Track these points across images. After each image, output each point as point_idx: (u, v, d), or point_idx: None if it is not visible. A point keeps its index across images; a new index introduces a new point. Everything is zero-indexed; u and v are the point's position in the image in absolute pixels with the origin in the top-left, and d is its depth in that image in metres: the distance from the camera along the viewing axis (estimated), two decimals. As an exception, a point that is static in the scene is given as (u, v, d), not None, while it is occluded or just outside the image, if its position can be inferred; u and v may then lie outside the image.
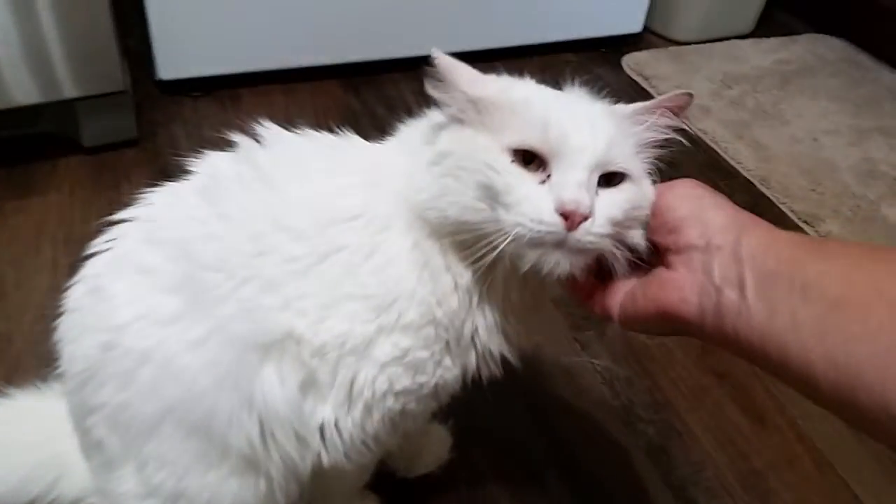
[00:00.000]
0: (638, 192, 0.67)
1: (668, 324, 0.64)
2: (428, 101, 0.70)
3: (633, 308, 0.67)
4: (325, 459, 0.75)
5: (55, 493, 0.87)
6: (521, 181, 0.63)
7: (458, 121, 0.68)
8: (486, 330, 0.73)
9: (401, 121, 0.79)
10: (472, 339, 0.74)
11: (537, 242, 0.62)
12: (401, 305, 0.70)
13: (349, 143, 0.79)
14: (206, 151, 0.80)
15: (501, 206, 0.63)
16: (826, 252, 0.58)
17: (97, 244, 0.77)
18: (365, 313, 0.70)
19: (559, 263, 0.63)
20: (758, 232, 0.61)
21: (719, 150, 1.73)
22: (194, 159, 0.79)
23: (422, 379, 0.73)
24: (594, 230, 0.63)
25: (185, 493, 0.74)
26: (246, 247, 0.69)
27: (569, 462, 1.10)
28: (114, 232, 0.77)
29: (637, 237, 0.67)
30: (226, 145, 0.78)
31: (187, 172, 0.79)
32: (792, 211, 1.56)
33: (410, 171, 0.70)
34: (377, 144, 0.80)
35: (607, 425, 1.16)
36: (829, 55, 2.15)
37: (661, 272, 0.65)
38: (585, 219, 0.62)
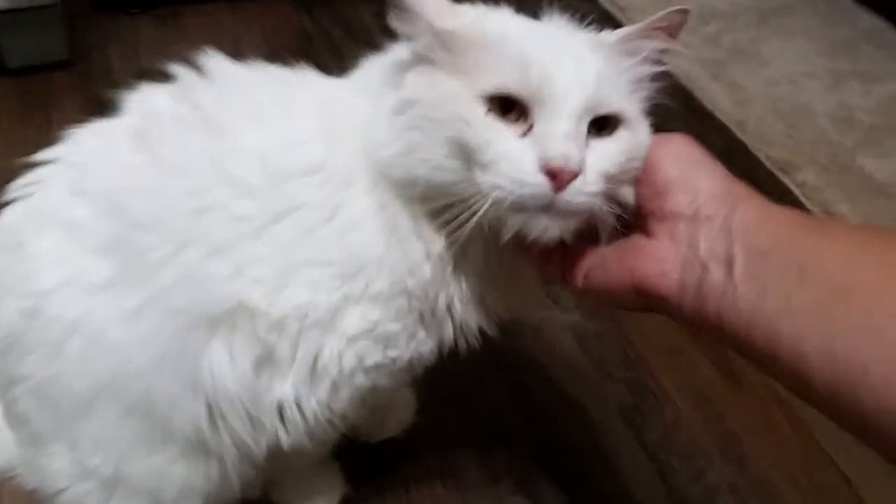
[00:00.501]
0: (634, 140, 0.59)
1: (640, 298, 0.57)
2: (390, 30, 0.61)
3: (603, 276, 0.60)
4: (285, 441, 0.68)
5: None
6: (499, 135, 0.55)
7: (425, 60, 0.59)
8: (462, 302, 0.66)
9: (359, 46, 0.69)
10: (448, 310, 0.66)
11: (520, 206, 0.55)
12: (368, 274, 0.62)
13: (305, 80, 0.70)
14: (141, 84, 0.69)
15: (477, 165, 0.55)
16: (828, 232, 0.51)
17: (16, 188, 0.67)
18: (328, 281, 0.62)
19: (547, 229, 0.56)
20: (752, 205, 0.54)
21: (694, 90, 1.66)
22: (129, 93, 0.69)
23: (394, 353, 0.66)
24: (586, 189, 0.55)
25: (124, 477, 0.66)
26: (186, 202, 0.60)
27: (539, 423, 1.05)
28: (35, 175, 0.67)
29: (629, 194, 0.60)
30: (165, 75, 0.67)
31: (121, 107, 0.68)
32: (767, 158, 1.51)
33: (371, 119, 0.62)
34: (336, 81, 0.70)
35: (578, 384, 1.11)
36: (805, -8, 2.08)
37: (639, 239, 0.58)
38: (575, 176, 0.54)
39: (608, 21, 1.86)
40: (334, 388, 0.66)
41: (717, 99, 1.64)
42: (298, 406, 0.66)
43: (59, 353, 0.62)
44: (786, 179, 1.47)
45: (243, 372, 0.62)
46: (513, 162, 0.54)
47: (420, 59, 0.60)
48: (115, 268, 0.61)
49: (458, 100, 0.56)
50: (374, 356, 0.66)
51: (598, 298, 0.62)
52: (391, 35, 0.62)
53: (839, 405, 0.45)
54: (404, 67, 0.61)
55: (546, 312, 1.19)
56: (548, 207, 0.55)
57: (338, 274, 0.62)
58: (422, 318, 0.66)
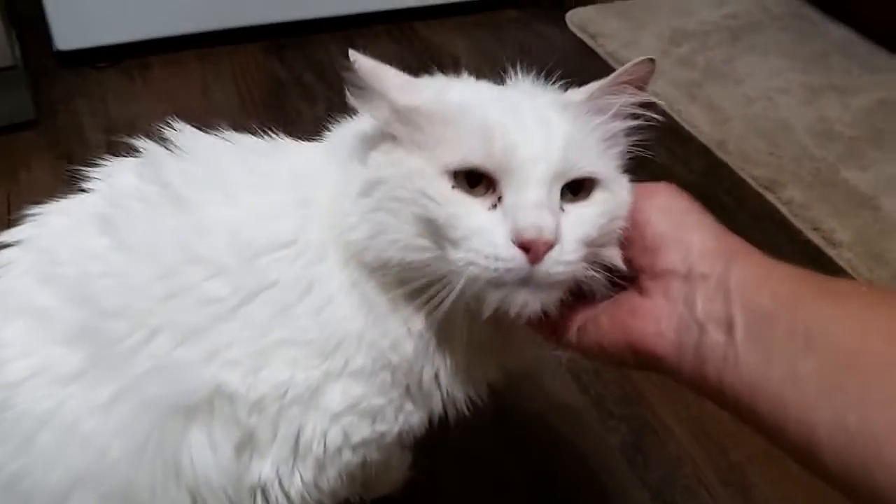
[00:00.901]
0: (612, 201, 0.56)
1: (636, 358, 0.54)
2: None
3: (597, 334, 0.57)
4: None
5: None
6: (467, 210, 0.52)
7: (387, 137, 0.57)
8: (448, 375, 0.63)
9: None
10: (436, 382, 0.63)
11: (497, 282, 0.52)
12: (347, 350, 0.60)
13: (275, 150, 0.67)
14: (108, 154, 0.67)
15: (448, 242, 0.53)
16: (833, 293, 0.49)
17: None
18: (307, 359, 0.59)
19: (527, 303, 0.53)
20: (751, 262, 0.52)
21: (672, 114, 1.64)
22: (94, 167, 0.66)
23: (382, 427, 0.63)
24: (564, 258, 0.52)
25: None
26: (154, 287, 0.58)
27: (539, 468, 1.01)
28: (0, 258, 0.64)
29: (615, 255, 0.57)
30: (133, 134, 0.65)
31: (88, 181, 0.66)
32: (752, 177, 1.49)
33: (338, 201, 0.59)
34: (307, 150, 0.68)
35: (577, 425, 1.07)
36: (775, 9, 2.08)
37: (632, 297, 0.56)
38: (551, 246, 0.51)
39: (580, 48, 1.87)
40: (320, 466, 0.63)
41: (695, 121, 1.63)
42: (281, 487, 0.63)
43: (29, 445, 0.59)
44: (772, 198, 1.45)
45: (225, 459, 0.59)
46: (484, 237, 0.52)
47: (383, 136, 0.58)
48: (84, 358, 0.58)
49: (423, 176, 0.54)
50: (362, 432, 0.63)
51: (592, 357, 0.59)
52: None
53: (850, 480, 0.43)
54: (369, 143, 0.59)
55: (539, 351, 1.16)
56: (526, 281, 0.52)
57: (316, 352, 0.59)
58: (408, 390, 0.63)
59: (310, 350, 0.59)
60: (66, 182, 0.65)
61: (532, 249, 0.50)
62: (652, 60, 0.57)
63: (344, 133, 0.65)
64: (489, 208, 0.53)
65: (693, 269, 0.52)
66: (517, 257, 0.51)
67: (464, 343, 0.61)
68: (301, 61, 1.72)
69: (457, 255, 0.52)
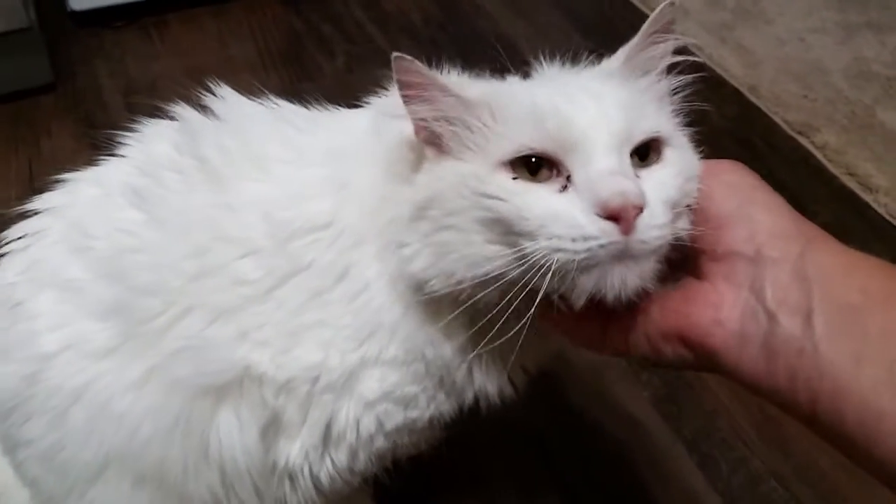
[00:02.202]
0: (684, 159, 0.53)
1: (690, 351, 0.50)
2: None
3: (645, 326, 0.52)
4: (293, 501, 0.64)
5: None
6: (536, 197, 0.49)
7: (429, 151, 0.54)
8: (482, 373, 0.61)
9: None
10: (469, 377, 0.61)
11: (590, 263, 0.47)
12: (381, 339, 0.58)
13: (315, 119, 0.65)
14: (136, 124, 0.66)
15: (524, 237, 0.48)
16: None
17: (11, 237, 0.65)
18: (342, 343, 0.58)
19: (625, 280, 0.48)
20: (831, 249, 0.47)
21: (703, 57, 1.59)
22: (127, 131, 0.66)
23: (414, 414, 0.62)
24: (656, 221, 0.48)
25: None
26: (186, 265, 0.57)
27: (570, 421, 1.01)
28: (30, 225, 0.64)
29: (685, 223, 0.52)
30: (154, 94, 0.63)
31: (118, 146, 0.65)
32: (785, 121, 1.45)
33: (378, 180, 0.57)
34: (348, 118, 0.65)
35: (610, 377, 1.06)
36: (807, -58, 2.00)
37: (688, 282, 0.51)
38: (640, 211, 0.47)
39: (626, 7, 1.81)
40: (353, 452, 0.62)
41: (726, 64, 1.58)
42: (311, 471, 0.62)
43: (62, 421, 0.59)
44: (806, 143, 1.41)
45: (251, 440, 0.59)
46: (564, 219, 0.47)
47: (423, 154, 0.54)
48: (116, 334, 0.58)
49: (478, 177, 0.50)
50: (395, 419, 0.62)
51: (639, 355, 0.54)
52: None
53: None
54: (410, 165, 0.55)
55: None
56: (623, 254, 0.47)
57: (351, 336, 0.58)
58: (441, 381, 0.61)
59: (344, 334, 0.58)
60: (89, 146, 0.64)
61: (622, 217, 0.46)
62: (671, 3, 0.54)
63: (387, 102, 0.61)
64: (559, 191, 0.49)
65: (762, 251, 0.47)
66: (608, 230, 0.46)
67: (507, 350, 0.57)
68: (318, 13, 1.68)
69: (537, 247, 0.48)
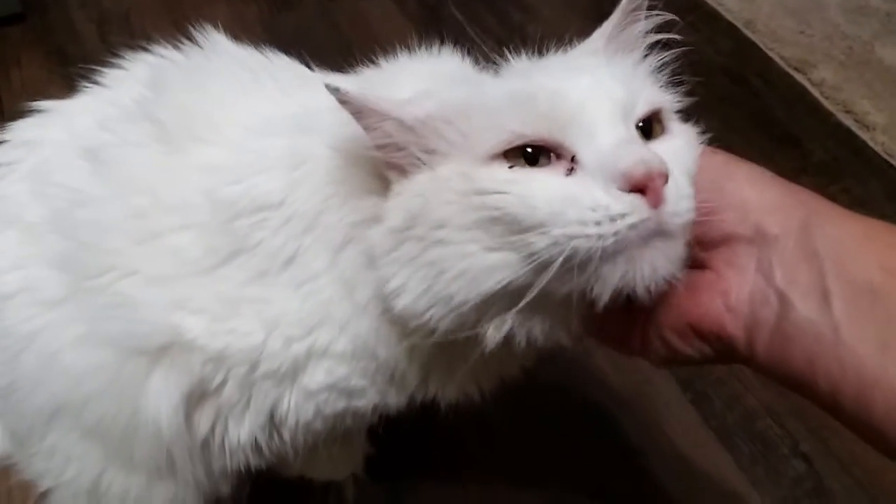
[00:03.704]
0: (688, 131, 0.49)
1: (707, 344, 0.46)
2: None
3: (657, 327, 0.48)
4: (255, 461, 0.62)
5: None
6: (542, 183, 0.42)
7: (394, 172, 0.48)
8: (439, 383, 0.57)
9: None
10: (425, 384, 0.58)
11: (617, 248, 0.41)
12: (331, 331, 0.53)
13: (301, 80, 0.60)
14: (111, 61, 0.65)
15: (531, 231, 0.42)
16: None
17: None
18: (287, 328, 0.53)
19: (657, 266, 0.43)
20: (836, 219, 0.43)
21: (697, -9, 1.55)
22: (101, 68, 0.64)
23: (359, 403, 0.58)
24: (683, 190, 0.43)
25: (104, 492, 0.62)
26: (128, 227, 0.54)
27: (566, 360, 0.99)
28: (1, 155, 0.64)
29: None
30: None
31: (90, 76, 0.64)
32: (781, 57, 1.41)
33: (341, 162, 0.51)
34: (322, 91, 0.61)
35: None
36: None
37: (690, 274, 0.46)
38: (666, 179, 0.41)
39: None
40: (293, 433, 0.60)
41: (721, -2, 1.53)
42: (256, 444, 0.60)
43: (15, 364, 0.59)
44: (802, 79, 1.38)
45: (173, 406, 0.56)
46: (583, 199, 0.41)
47: (393, 167, 0.48)
48: (65, 286, 0.57)
49: (465, 175, 0.44)
50: (336, 406, 0.58)
51: (648, 355, 0.50)
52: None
53: None
54: (376, 192, 0.50)
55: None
56: (654, 233, 0.42)
57: (297, 322, 0.53)
58: (392, 378, 0.57)
59: (290, 318, 0.53)
60: (61, 77, 0.62)
61: (650, 187, 0.41)
62: None
63: (388, 72, 0.56)
64: (565, 175, 0.43)
65: (761, 229, 0.43)
66: (637, 204, 0.41)
67: (465, 363, 0.51)
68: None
69: (548, 240, 0.41)
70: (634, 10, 0.50)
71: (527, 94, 0.44)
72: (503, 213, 0.43)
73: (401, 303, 0.47)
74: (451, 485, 0.88)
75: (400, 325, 0.51)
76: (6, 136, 0.65)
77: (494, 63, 0.54)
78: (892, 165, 1.25)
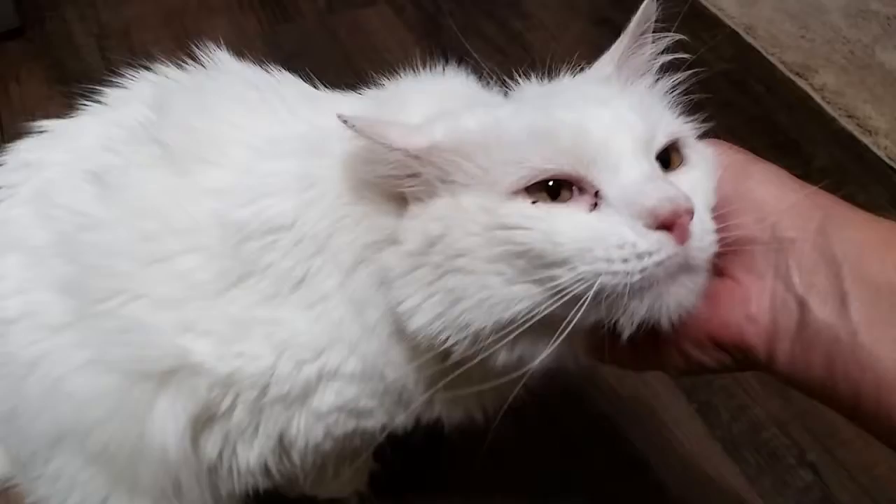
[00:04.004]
0: (707, 159, 0.48)
1: (727, 354, 0.46)
2: None
3: (675, 340, 0.47)
4: (263, 483, 0.63)
5: None
6: (567, 220, 0.43)
7: (416, 198, 0.47)
8: (444, 403, 0.57)
9: None
10: (431, 405, 0.58)
11: (643, 284, 0.42)
12: (341, 352, 0.53)
13: (307, 100, 0.60)
14: (115, 76, 0.64)
15: (556, 266, 0.42)
16: None
17: None
18: (298, 350, 0.53)
19: (682, 299, 0.43)
20: (853, 221, 0.43)
21: (697, -3, 1.54)
22: (101, 86, 0.64)
23: (368, 424, 0.58)
24: (707, 225, 0.44)
25: None
26: (137, 250, 0.53)
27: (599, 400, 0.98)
28: (3, 178, 0.63)
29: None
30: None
31: (91, 93, 0.64)
32: (782, 62, 1.41)
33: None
34: (342, 103, 0.59)
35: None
36: None
37: (708, 283, 0.46)
38: (692, 215, 0.42)
39: None
40: (303, 455, 0.60)
41: (722, 3, 1.52)
42: (267, 472, 0.60)
43: (19, 389, 0.58)
44: (804, 84, 1.38)
45: (180, 431, 0.56)
46: (608, 238, 0.42)
47: (413, 198, 0.48)
48: (70, 311, 0.56)
49: (488, 210, 0.44)
50: (346, 427, 0.58)
51: (668, 368, 0.50)
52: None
53: None
54: (394, 211, 0.49)
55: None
56: (683, 267, 0.42)
57: (307, 344, 0.53)
58: (400, 398, 0.56)
59: (300, 340, 0.53)
60: (61, 94, 0.61)
61: (677, 224, 0.41)
62: (653, 1, 0.50)
63: (395, 93, 0.56)
64: (588, 211, 0.43)
65: (777, 232, 0.43)
66: (664, 241, 0.41)
67: (471, 385, 0.51)
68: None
69: (575, 276, 0.41)
70: (643, 33, 0.50)
71: (548, 130, 0.44)
72: (527, 249, 0.43)
73: (414, 323, 0.47)
74: (456, 499, 0.87)
75: (409, 346, 0.51)
76: (7, 157, 0.64)
77: (500, 79, 0.54)
78: (894, 170, 1.25)
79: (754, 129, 1.28)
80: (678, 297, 0.43)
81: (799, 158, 1.25)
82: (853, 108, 1.32)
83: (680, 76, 0.52)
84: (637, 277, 0.41)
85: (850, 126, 1.31)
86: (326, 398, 0.55)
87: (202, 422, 0.56)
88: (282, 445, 0.58)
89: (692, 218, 0.42)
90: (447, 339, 0.46)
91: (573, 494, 0.88)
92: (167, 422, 0.55)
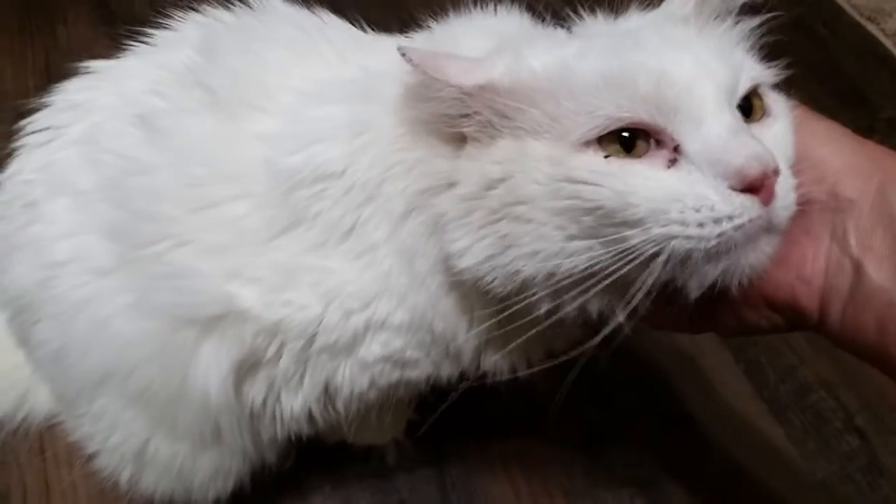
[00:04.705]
0: (786, 108, 0.46)
1: (779, 314, 0.45)
2: None
3: (729, 301, 0.46)
4: (306, 430, 0.63)
5: (25, 408, 0.78)
6: (643, 179, 0.40)
7: (475, 139, 0.45)
8: (492, 354, 0.56)
9: None
10: (478, 355, 0.57)
11: (721, 248, 0.40)
12: (389, 303, 0.52)
13: (356, 44, 0.58)
14: (163, 19, 0.63)
15: (628, 226, 0.40)
16: None
17: (31, 128, 0.64)
18: (346, 300, 0.52)
19: (756, 262, 0.42)
20: None
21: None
22: (149, 29, 0.63)
23: (413, 374, 0.58)
24: (790, 183, 0.42)
25: (150, 458, 0.63)
26: (183, 196, 0.53)
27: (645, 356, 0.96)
28: (50, 118, 0.63)
29: None
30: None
31: (138, 37, 0.63)
32: (852, 6, 1.33)
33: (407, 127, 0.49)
34: (384, 54, 0.56)
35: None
36: None
37: None
38: (778, 174, 0.40)
39: None
40: (347, 403, 0.60)
41: (789, -59, 1.44)
42: (311, 417, 0.61)
43: (67, 329, 0.59)
44: (874, 29, 1.30)
45: (223, 376, 0.56)
46: (689, 199, 0.40)
47: (471, 138, 0.46)
48: (116, 255, 0.56)
49: (555, 160, 0.42)
50: (390, 377, 0.58)
51: (718, 328, 0.49)
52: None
53: None
54: (452, 145, 0.48)
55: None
56: (765, 228, 0.41)
57: (356, 294, 0.52)
58: (447, 350, 0.56)
59: (348, 290, 0.52)
60: (106, 35, 0.61)
61: (764, 186, 0.39)
62: None
63: (447, 34, 0.54)
64: (667, 167, 0.41)
65: (836, 192, 0.42)
66: (749, 205, 0.39)
67: (519, 337, 0.50)
68: None
69: (648, 237, 0.40)
70: None
71: (625, 74, 0.41)
72: (596, 206, 0.41)
73: (463, 263, 0.46)
74: (493, 450, 0.87)
75: (460, 297, 0.51)
76: (54, 98, 0.64)
77: (559, 15, 0.51)
78: (969, 123, 1.18)
79: (816, 76, 1.21)
80: (755, 259, 0.41)
81: (864, 109, 1.19)
82: (927, 56, 1.25)
83: (756, 20, 0.49)
84: (713, 242, 0.40)
85: (923, 75, 1.24)
86: (373, 348, 0.55)
87: (246, 368, 0.57)
88: (326, 394, 0.58)
89: (778, 177, 0.40)
90: (493, 281, 0.46)
91: (615, 447, 0.87)
92: (210, 367, 0.55)
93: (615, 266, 0.41)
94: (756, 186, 0.39)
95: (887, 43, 1.28)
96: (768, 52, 0.50)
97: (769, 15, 0.50)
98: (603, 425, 0.89)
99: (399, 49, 0.44)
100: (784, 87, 0.49)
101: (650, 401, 0.92)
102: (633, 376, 0.93)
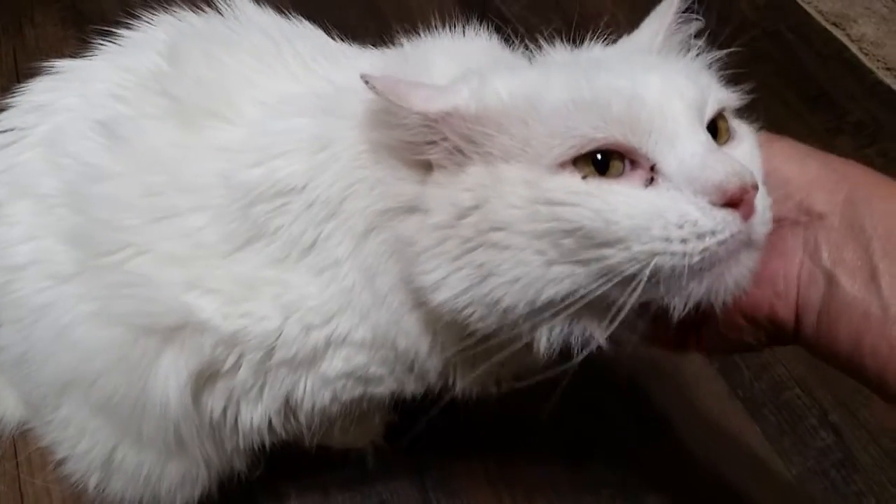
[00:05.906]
0: (750, 132, 0.47)
1: (761, 330, 0.45)
2: None
3: (710, 322, 0.46)
4: (269, 440, 0.62)
5: None
6: (622, 197, 0.40)
7: (441, 166, 0.45)
8: (463, 379, 0.55)
9: None
10: (443, 376, 0.56)
11: (704, 265, 0.40)
12: (351, 319, 0.51)
13: (327, 54, 0.57)
14: (130, 21, 0.62)
15: (608, 246, 0.40)
16: None
17: None
18: (306, 314, 0.51)
19: (740, 277, 0.42)
20: (883, 192, 0.42)
21: (731, -59, 1.48)
22: (117, 30, 0.62)
23: (377, 390, 0.57)
24: (766, 199, 0.42)
25: (118, 465, 0.62)
26: (143, 205, 0.52)
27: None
28: (13, 119, 0.62)
29: None
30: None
31: (106, 36, 0.62)
32: (819, 12, 1.36)
33: (372, 146, 0.48)
34: (362, 60, 0.57)
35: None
36: None
37: None
38: (757, 190, 0.40)
39: None
40: (309, 416, 0.59)
41: (757, -52, 1.47)
42: (271, 429, 0.60)
43: (28, 334, 0.58)
44: (840, 35, 1.33)
45: (181, 386, 0.55)
46: (670, 216, 0.39)
47: (437, 166, 0.45)
48: (77, 262, 0.55)
49: (530, 183, 0.41)
50: (353, 393, 0.57)
51: (705, 350, 0.50)
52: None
53: None
54: (416, 177, 0.47)
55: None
56: (745, 244, 0.41)
57: (316, 309, 0.52)
58: (411, 367, 0.55)
59: (309, 304, 0.52)
60: (75, 35, 0.60)
61: (744, 201, 0.39)
62: None
63: (417, 54, 0.53)
64: (644, 186, 0.41)
65: (804, 207, 0.42)
66: (731, 220, 0.39)
67: (488, 360, 0.49)
68: None
69: (628, 255, 0.39)
70: (687, 10, 0.49)
71: (597, 97, 0.41)
72: (576, 227, 0.40)
73: (439, 297, 0.45)
74: (474, 455, 0.87)
75: (423, 316, 0.50)
76: (19, 98, 0.63)
77: (525, 44, 0.51)
78: (933, 126, 1.21)
79: (785, 81, 1.23)
80: (737, 276, 0.41)
81: (832, 113, 1.20)
82: (892, 61, 1.27)
83: (723, 52, 0.50)
84: (697, 258, 0.39)
85: (888, 79, 1.26)
86: (335, 364, 0.54)
87: (205, 378, 0.56)
88: (287, 406, 0.58)
89: (757, 193, 0.40)
90: (473, 314, 0.44)
91: (593, 451, 0.87)
92: (169, 377, 0.54)
93: (595, 286, 0.41)
94: (736, 201, 0.39)
95: (853, 48, 1.31)
96: (738, 61, 0.51)
97: (730, 50, 0.51)
98: (581, 428, 0.88)
99: (362, 77, 0.43)
100: (755, 90, 0.50)
101: (626, 403, 0.92)
102: (607, 379, 0.93)
